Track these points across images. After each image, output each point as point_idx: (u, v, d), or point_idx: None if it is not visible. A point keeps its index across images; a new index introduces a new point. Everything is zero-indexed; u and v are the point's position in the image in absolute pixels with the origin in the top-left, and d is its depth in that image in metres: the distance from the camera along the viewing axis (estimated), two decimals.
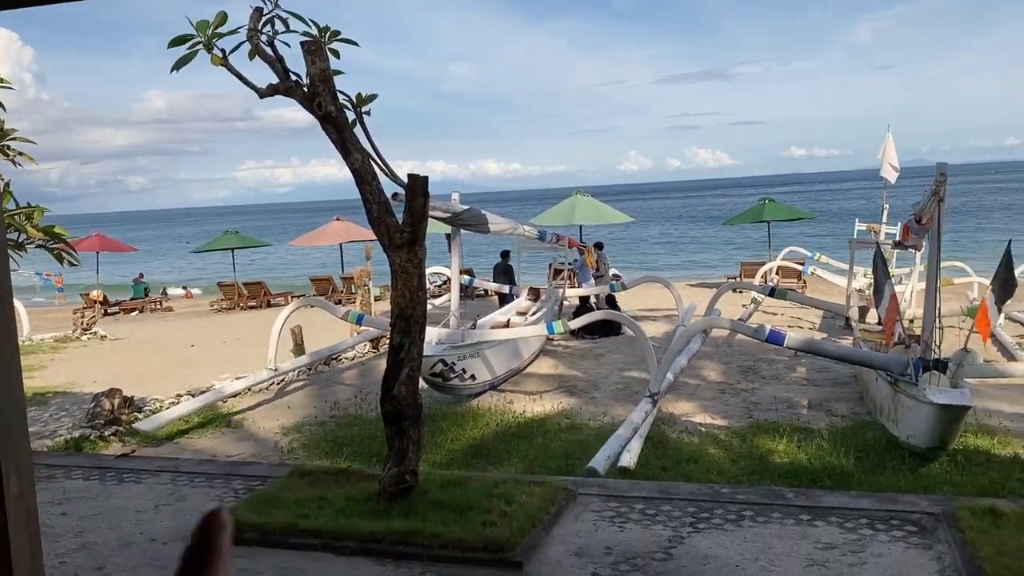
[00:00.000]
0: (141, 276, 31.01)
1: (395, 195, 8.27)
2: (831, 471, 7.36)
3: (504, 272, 19.65)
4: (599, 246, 19.39)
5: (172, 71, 5.81)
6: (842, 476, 7.21)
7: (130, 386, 11.47)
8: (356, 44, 6.06)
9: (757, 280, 20.34)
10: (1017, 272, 9.39)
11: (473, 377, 10.94)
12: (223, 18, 5.68)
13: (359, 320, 12.38)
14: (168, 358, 16.01)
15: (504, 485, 6.37)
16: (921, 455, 7.47)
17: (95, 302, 26.78)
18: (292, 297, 25.41)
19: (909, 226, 9.66)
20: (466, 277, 18.55)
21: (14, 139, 6.71)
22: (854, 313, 14.92)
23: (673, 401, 10.37)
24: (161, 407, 10.79)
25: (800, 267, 21.34)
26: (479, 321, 14.56)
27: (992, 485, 6.85)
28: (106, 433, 9.61)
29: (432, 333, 10.88)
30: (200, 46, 5.68)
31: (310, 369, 13.28)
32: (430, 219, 6.78)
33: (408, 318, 6.02)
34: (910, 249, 12.27)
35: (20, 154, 6.75)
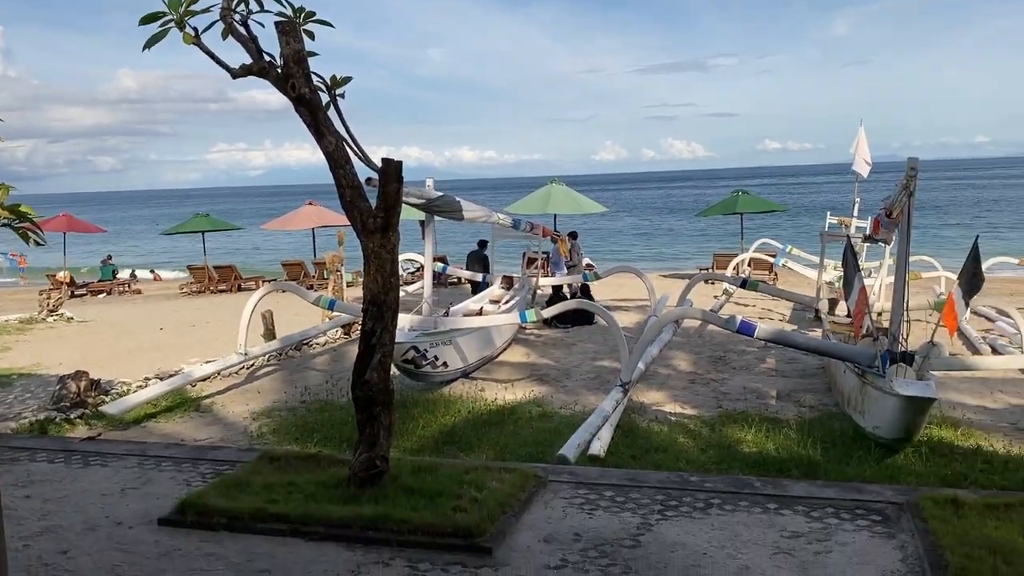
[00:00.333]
0: (110, 258, 30.64)
1: (369, 180, 8.20)
2: (798, 461, 7.45)
3: (479, 260, 19.62)
4: (573, 235, 19.42)
5: (144, 49, 5.71)
6: (809, 466, 7.30)
7: (97, 369, 11.34)
8: (331, 26, 5.99)
9: (729, 271, 20.47)
10: (984, 267, 9.54)
11: (445, 364, 10.92)
12: None
13: (331, 306, 12.31)
14: (136, 341, 15.83)
15: (475, 471, 6.37)
16: (886, 446, 7.58)
17: (62, 283, 26.41)
18: (263, 281, 25.20)
19: (879, 220, 9.75)
20: (439, 264, 18.50)
21: None
22: (824, 305, 15.08)
23: (644, 390, 10.43)
24: (128, 390, 10.67)
25: (772, 259, 21.53)
26: (452, 308, 14.54)
27: (955, 476, 6.98)
28: (72, 416, 9.49)
29: (404, 320, 10.85)
30: (172, 24, 5.58)
31: (281, 354, 13.19)
32: (404, 205, 6.74)
33: (380, 304, 5.99)
34: (880, 243, 12.40)
35: None
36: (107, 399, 10.07)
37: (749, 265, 22.13)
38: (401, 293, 6.35)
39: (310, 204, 27.62)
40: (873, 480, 6.74)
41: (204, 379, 11.31)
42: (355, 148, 5.93)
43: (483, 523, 5.42)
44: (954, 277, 16.04)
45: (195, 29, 5.62)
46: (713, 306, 16.45)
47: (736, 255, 22.77)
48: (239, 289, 26.64)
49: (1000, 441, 8.06)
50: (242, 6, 5.64)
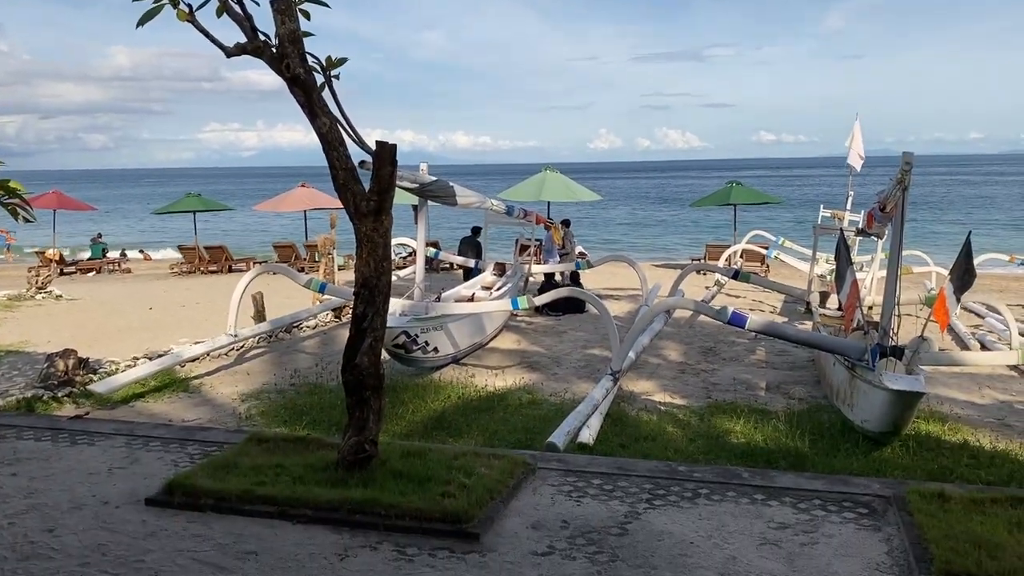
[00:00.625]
0: (99, 236, 30.43)
1: (362, 163, 8.15)
2: (786, 452, 7.47)
3: (472, 246, 19.58)
4: (566, 223, 19.39)
5: (138, 26, 5.65)
6: (797, 458, 7.32)
7: (85, 347, 11.28)
8: (327, 5, 5.94)
9: (721, 262, 20.50)
10: (975, 263, 9.55)
11: (436, 350, 10.91)
12: None
13: (322, 289, 12.27)
14: (125, 320, 15.76)
15: (464, 457, 6.37)
16: (874, 439, 7.61)
17: (51, 261, 26.25)
18: (254, 263, 25.11)
19: (872, 214, 9.76)
20: (431, 250, 18.46)
21: None
22: (815, 298, 15.11)
23: (634, 380, 10.44)
24: (117, 369, 10.62)
25: (764, 251, 21.55)
26: (443, 294, 14.51)
27: (941, 470, 7.01)
28: (59, 394, 9.44)
29: (396, 304, 10.82)
30: (166, 1, 5.52)
31: (270, 336, 13.16)
32: (397, 189, 6.70)
33: (372, 288, 5.96)
34: (873, 237, 12.43)
35: None
36: (95, 378, 10.02)
37: (741, 256, 22.15)
38: (392, 278, 6.32)
39: (303, 186, 27.50)
40: (860, 473, 6.77)
41: (193, 360, 11.27)
42: (349, 130, 5.89)
43: (471, 509, 5.42)
44: (945, 272, 16.13)
45: (189, 6, 5.57)
46: (704, 297, 16.48)
47: (729, 246, 22.81)
48: (230, 270, 26.53)
49: (987, 436, 8.10)
50: None
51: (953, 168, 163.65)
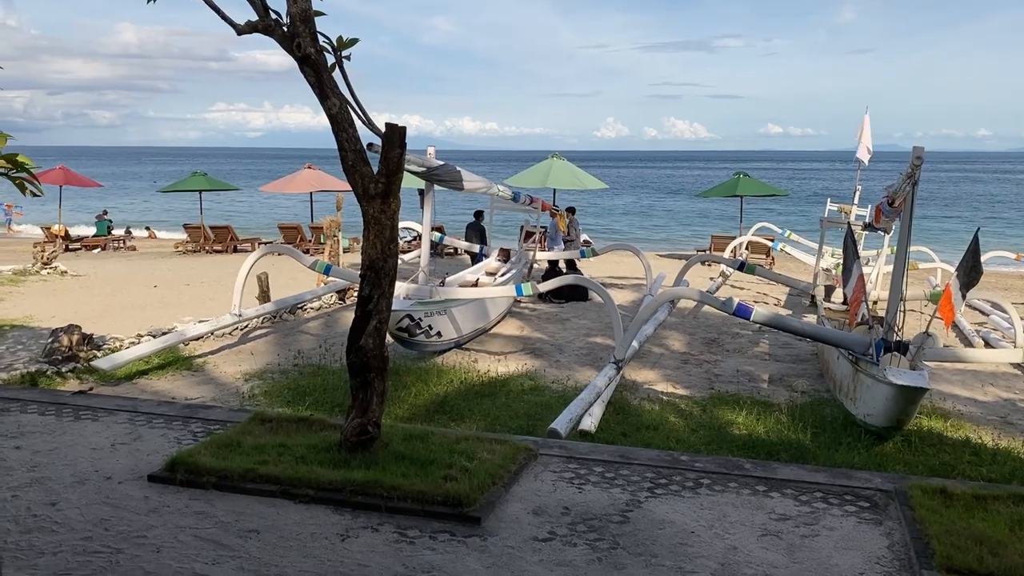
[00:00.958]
0: (105, 213, 30.45)
1: (371, 145, 8.13)
2: (788, 445, 7.48)
3: (477, 232, 19.57)
4: (571, 211, 19.36)
5: (148, 1, 5.63)
6: (798, 450, 7.32)
7: (90, 323, 11.31)
8: None
9: (727, 254, 20.46)
10: (982, 260, 9.52)
11: (439, 334, 10.91)
12: None
13: (327, 270, 12.26)
14: (130, 297, 15.78)
15: (466, 441, 6.38)
16: (876, 434, 7.61)
17: (57, 236, 26.28)
18: (259, 243, 25.12)
19: (881, 208, 9.72)
20: (436, 234, 18.44)
21: None
22: (820, 292, 15.09)
23: (637, 368, 10.44)
24: (121, 346, 10.64)
25: (770, 243, 21.50)
26: (448, 279, 14.50)
27: (943, 466, 7.01)
28: (63, 369, 9.46)
29: (400, 288, 10.81)
30: None
31: (274, 317, 13.17)
32: (404, 173, 6.67)
33: (378, 270, 5.95)
34: (880, 231, 12.38)
35: None
36: (99, 354, 10.03)
37: (747, 248, 22.11)
38: (398, 261, 6.31)
39: (309, 168, 27.45)
40: (862, 467, 6.76)
41: (197, 338, 11.29)
42: (359, 112, 5.87)
43: (473, 493, 5.43)
44: (950, 269, 16.09)
45: None
46: (709, 288, 16.46)
47: (734, 238, 22.76)
48: (235, 250, 26.54)
49: (989, 434, 8.10)
50: None
51: (960, 165, 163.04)
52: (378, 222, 5.91)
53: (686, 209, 60.94)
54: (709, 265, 21.43)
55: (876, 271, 15.76)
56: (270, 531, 5.12)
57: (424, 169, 11.35)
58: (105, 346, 10.60)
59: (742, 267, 13.85)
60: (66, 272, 19.53)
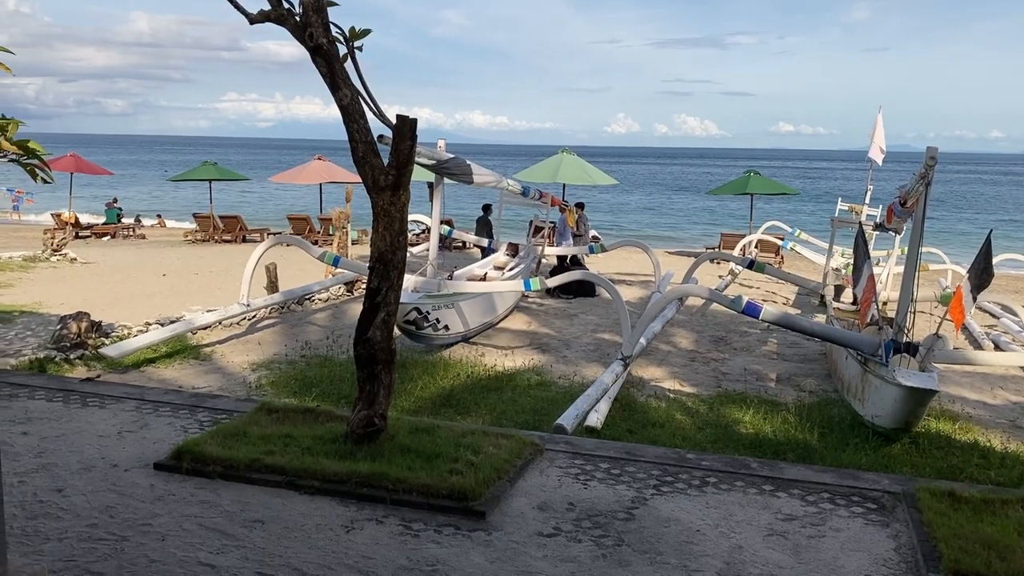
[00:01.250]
0: (115, 201, 30.52)
1: (381, 137, 8.11)
2: (795, 445, 7.45)
3: (486, 226, 19.56)
4: (580, 206, 19.32)
5: None
6: (805, 450, 7.29)
7: (98, 311, 11.34)
8: None
9: (736, 252, 20.39)
10: (994, 262, 9.46)
11: (447, 327, 10.90)
12: None
13: (336, 262, 12.26)
14: (138, 285, 15.83)
15: (472, 435, 6.37)
16: (884, 435, 7.57)
17: (67, 224, 26.36)
18: (268, 234, 25.14)
19: (893, 208, 9.67)
20: (445, 227, 18.43)
21: None
22: (829, 291, 15.02)
23: (644, 365, 10.42)
24: (129, 334, 10.67)
25: (779, 242, 21.43)
26: (456, 272, 14.48)
27: (951, 469, 6.97)
28: (72, 356, 9.49)
29: (408, 281, 10.81)
30: None
31: (282, 307, 13.19)
32: (414, 165, 6.65)
33: (387, 262, 5.94)
34: (891, 232, 12.32)
35: None
36: (107, 341, 10.07)
37: (756, 247, 22.04)
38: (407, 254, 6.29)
39: (319, 159, 27.46)
40: (869, 468, 6.73)
41: (205, 327, 11.32)
42: (370, 103, 5.85)
43: (478, 487, 5.42)
44: (961, 270, 16.01)
45: None
46: (718, 286, 16.41)
47: (743, 236, 22.68)
48: (244, 240, 26.59)
49: (998, 437, 8.05)
50: None
51: (972, 166, 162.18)
52: (388, 214, 5.89)
53: (695, 206, 60.79)
54: (718, 263, 21.37)
55: (887, 272, 15.69)
56: (275, 521, 5.12)
57: (434, 162, 11.34)
58: (113, 334, 10.63)
59: (751, 265, 13.80)
60: (75, 259, 19.60)
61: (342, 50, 5.77)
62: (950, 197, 71.81)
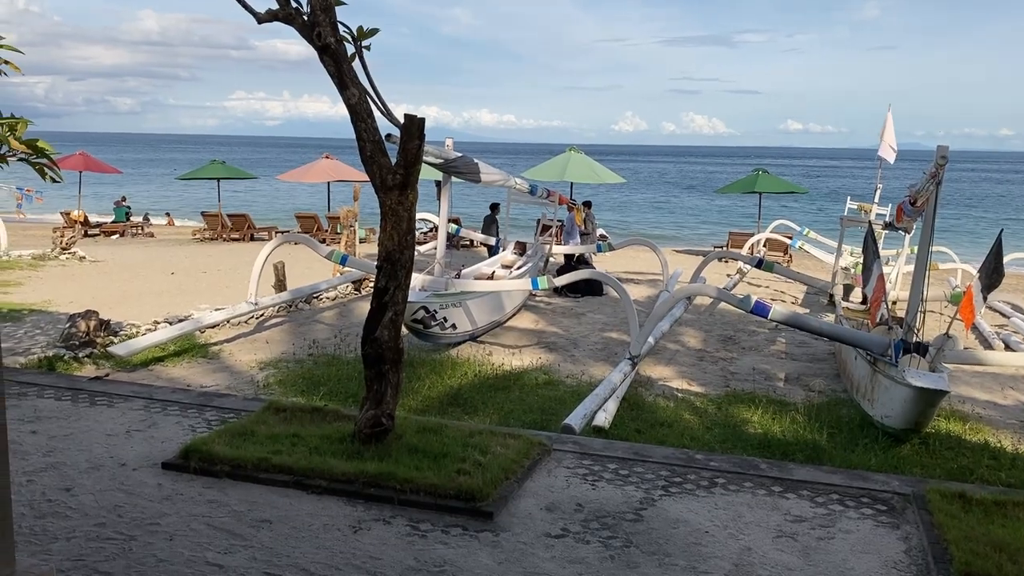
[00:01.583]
0: (124, 199, 30.60)
1: (389, 136, 8.10)
2: (804, 445, 7.41)
3: (494, 224, 19.55)
4: (588, 205, 19.28)
5: None
6: (814, 451, 7.25)
7: (107, 309, 11.36)
8: None
9: (745, 251, 20.34)
10: (1004, 261, 9.40)
11: (454, 326, 10.89)
12: None
13: (343, 260, 12.27)
14: (147, 284, 15.86)
15: (480, 435, 6.35)
16: (894, 436, 7.53)
17: (76, 222, 26.44)
18: (276, 232, 25.19)
19: (903, 207, 9.62)
20: (453, 226, 18.42)
21: (1, 47, 6.48)
22: (838, 291, 14.97)
23: (652, 365, 10.39)
24: (137, 332, 10.69)
25: (788, 241, 21.36)
26: (463, 271, 14.48)
27: (961, 470, 6.92)
28: (80, 355, 9.51)
29: (416, 280, 10.80)
30: None
31: (290, 306, 13.20)
32: (422, 164, 6.64)
33: (395, 262, 5.93)
34: (900, 231, 12.26)
35: (6, 63, 6.53)
36: (116, 340, 10.08)
37: (764, 245, 21.98)
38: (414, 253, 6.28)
39: (327, 158, 27.48)
40: (878, 469, 6.69)
41: (213, 326, 11.33)
42: (378, 102, 5.83)
43: (486, 487, 5.40)
44: (971, 270, 15.92)
45: None
46: (726, 285, 16.37)
47: (752, 235, 22.61)
48: (252, 239, 26.64)
49: (1008, 438, 8.00)
50: None
51: (982, 164, 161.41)
52: (395, 213, 5.88)
53: (703, 205, 60.65)
54: (726, 262, 21.31)
55: (896, 271, 15.62)
56: (282, 521, 5.11)
57: (442, 161, 11.33)
58: (122, 332, 10.65)
59: (760, 264, 13.75)
60: (84, 258, 19.66)
61: (350, 49, 5.76)
62: (960, 196, 71.46)
